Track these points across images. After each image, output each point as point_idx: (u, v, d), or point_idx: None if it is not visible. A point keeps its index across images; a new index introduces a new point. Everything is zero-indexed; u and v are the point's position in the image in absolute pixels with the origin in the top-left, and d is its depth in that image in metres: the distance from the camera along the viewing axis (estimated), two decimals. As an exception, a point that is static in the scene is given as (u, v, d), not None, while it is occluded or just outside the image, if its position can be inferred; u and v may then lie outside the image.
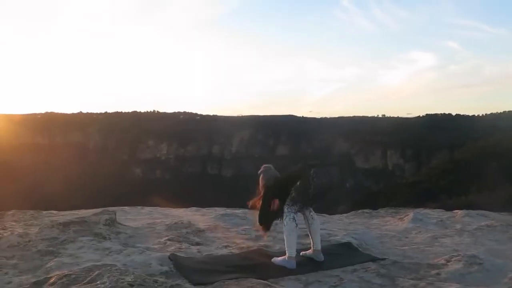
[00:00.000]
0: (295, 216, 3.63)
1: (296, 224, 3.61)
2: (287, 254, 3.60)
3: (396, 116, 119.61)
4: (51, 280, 3.03)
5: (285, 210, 3.64)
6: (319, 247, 3.83)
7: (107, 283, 2.83)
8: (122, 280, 2.85)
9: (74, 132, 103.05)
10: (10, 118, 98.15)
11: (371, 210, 7.15)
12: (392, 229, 5.50)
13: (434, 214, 6.45)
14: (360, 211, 7.16)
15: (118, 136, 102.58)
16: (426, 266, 3.68)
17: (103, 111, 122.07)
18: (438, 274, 3.50)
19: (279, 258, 3.68)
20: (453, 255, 3.87)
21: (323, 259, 3.77)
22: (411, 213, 6.21)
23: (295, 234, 3.61)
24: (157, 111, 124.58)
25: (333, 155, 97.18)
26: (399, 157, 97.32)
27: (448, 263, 3.71)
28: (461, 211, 6.38)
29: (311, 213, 3.81)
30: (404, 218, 6.06)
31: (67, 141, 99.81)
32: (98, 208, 5.92)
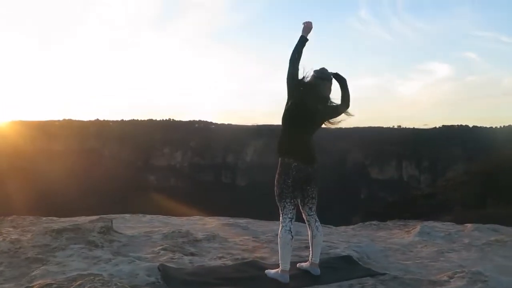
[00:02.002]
0: (291, 227, 3.45)
1: (292, 237, 3.42)
2: (280, 267, 3.44)
3: (412, 127, 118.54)
4: (32, 289, 2.94)
5: (281, 220, 3.48)
6: (317, 261, 3.66)
7: (87, 294, 2.73)
8: (102, 291, 2.74)
9: (91, 139, 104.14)
10: (28, 124, 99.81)
11: (378, 222, 6.96)
12: (398, 242, 5.31)
13: (442, 227, 6.24)
14: (367, 222, 6.97)
15: (133, 144, 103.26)
16: (427, 283, 3.49)
17: (119, 119, 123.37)
18: (439, 291, 3.32)
19: (273, 271, 3.52)
20: (456, 271, 3.69)
21: (319, 273, 3.61)
22: (418, 226, 6.02)
23: (290, 247, 3.43)
24: (173, 119, 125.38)
25: (347, 165, 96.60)
26: (414, 168, 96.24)
27: (450, 280, 3.52)
28: (471, 224, 6.16)
29: (316, 224, 3.63)
30: (411, 231, 5.86)
31: (83, 147, 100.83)
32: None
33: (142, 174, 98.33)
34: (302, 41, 3.51)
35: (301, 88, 3.47)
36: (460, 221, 7.46)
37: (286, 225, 3.42)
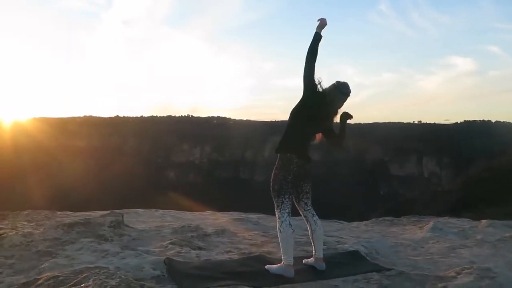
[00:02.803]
0: (290, 221, 3.46)
1: (293, 230, 3.43)
2: (283, 262, 3.43)
3: (433, 122, 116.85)
4: (39, 282, 3.00)
5: (278, 215, 3.48)
6: (321, 255, 3.66)
7: (91, 286, 2.77)
8: (106, 284, 2.79)
9: (111, 135, 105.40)
10: (50, 121, 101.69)
11: (392, 218, 6.91)
12: (409, 238, 5.26)
13: (456, 223, 6.15)
14: (381, 218, 6.93)
15: (152, 140, 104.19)
16: (434, 279, 3.44)
17: (138, 115, 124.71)
18: (444, 287, 3.27)
19: (274, 266, 3.52)
20: (465, 267, 3.62)
21: (324, 267, 3.60)
22: (431, 222, 5.94)
23: (292, 240, 3.44)
24: (191, 115, 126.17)
25: (367, 161, 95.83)
26: (435, 165, 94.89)
27: (458, 276, 3.46)
28: (485, 220, 6.06)
29: (314, 218, 3.64)
30: (424, 227, 5.80)
31: (104, 144, 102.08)
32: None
33: (161, 170, 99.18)
34: (317, 38, 3.54)
35: (319, 93, 3.53)
36: (481, 218, 7.30)
37: (285, 220, 3.43)
